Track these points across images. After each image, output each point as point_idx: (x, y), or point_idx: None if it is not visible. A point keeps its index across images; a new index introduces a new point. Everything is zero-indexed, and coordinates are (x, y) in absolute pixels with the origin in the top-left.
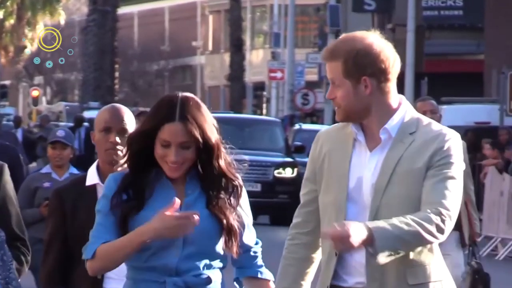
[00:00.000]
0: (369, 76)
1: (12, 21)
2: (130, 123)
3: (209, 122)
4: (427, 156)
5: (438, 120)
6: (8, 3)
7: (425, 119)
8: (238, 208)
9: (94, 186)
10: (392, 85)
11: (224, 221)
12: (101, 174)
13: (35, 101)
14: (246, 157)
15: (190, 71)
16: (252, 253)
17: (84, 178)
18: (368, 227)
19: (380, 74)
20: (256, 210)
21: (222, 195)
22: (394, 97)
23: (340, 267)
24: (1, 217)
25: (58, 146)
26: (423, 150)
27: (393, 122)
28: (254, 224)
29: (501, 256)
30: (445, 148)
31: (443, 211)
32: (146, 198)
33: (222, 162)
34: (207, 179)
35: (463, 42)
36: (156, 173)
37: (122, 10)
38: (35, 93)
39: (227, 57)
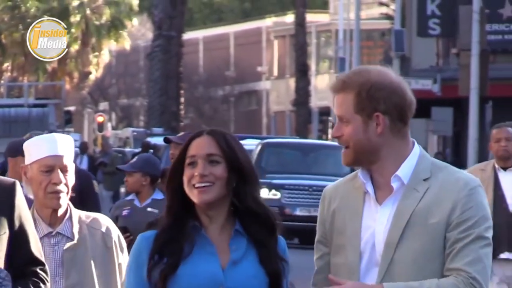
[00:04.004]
0: (382, 112)
1: (76, 46)
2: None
3: (241, 147)
4: (445, 209)
5: None
6: (73, 29)
7: (440, 164)
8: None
9: None
10: (406, 128)
11: (274, 279)
12: None
13: (100, 127)
14: (311, 182)
15: (256, 96)
16: None
17: None
18: None
19: (395, 111)
20: None
21: (269, 242)
22: (407, 141)
23: None
24: (19, 239)
25: (127, 173)
26: (440, 202)
27: (405, 167)
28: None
29: None
30: (466, 200)
31: (473, 281)
32: (185, 254)
33: (258, 193)
34: (246, 216)
35: None
36: (194, 226)
37: (187, 36)
38: (100, 119)
39: (292, 82)
